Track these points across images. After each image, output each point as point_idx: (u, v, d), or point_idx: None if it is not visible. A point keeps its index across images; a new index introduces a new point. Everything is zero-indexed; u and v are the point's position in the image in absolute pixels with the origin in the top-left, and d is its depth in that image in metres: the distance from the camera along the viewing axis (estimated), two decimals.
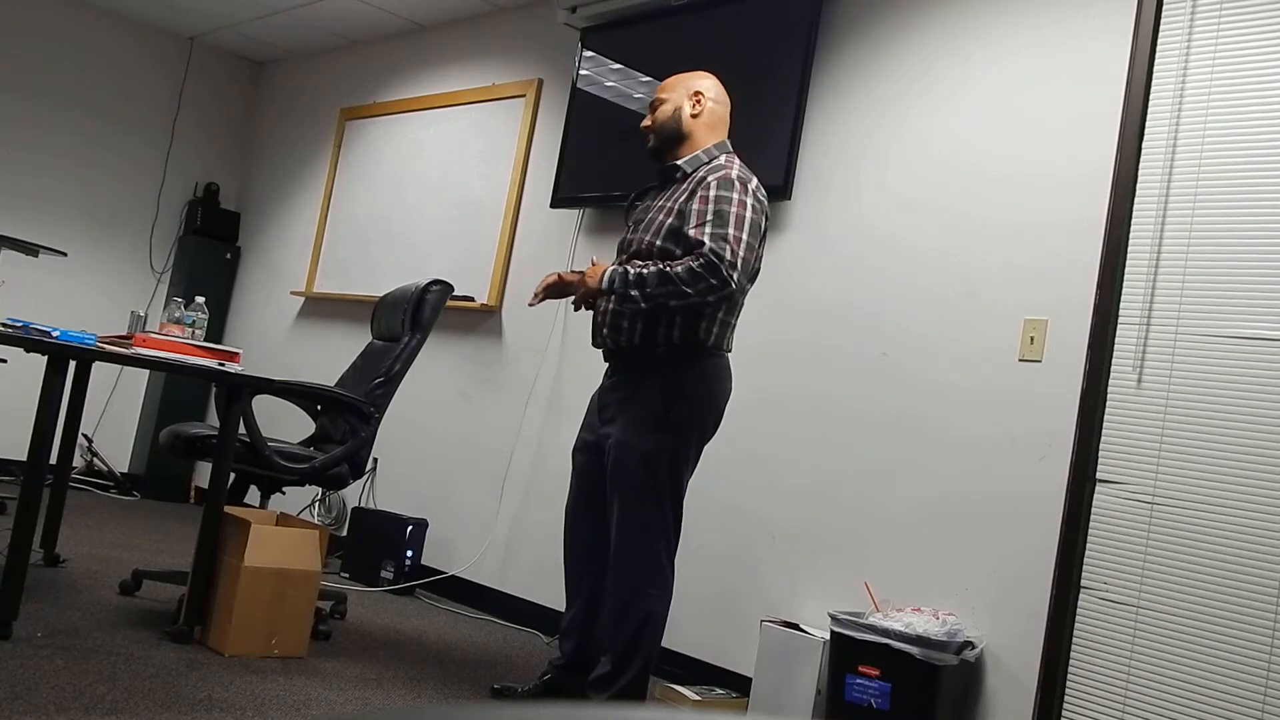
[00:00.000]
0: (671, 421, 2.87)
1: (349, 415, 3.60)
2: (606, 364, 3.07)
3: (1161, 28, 2.93)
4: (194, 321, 3.47)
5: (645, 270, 2.78)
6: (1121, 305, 2.90)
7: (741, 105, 3.88)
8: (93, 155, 6.11)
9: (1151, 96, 2.92)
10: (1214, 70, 2.83)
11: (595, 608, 3.05)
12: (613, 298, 2.89)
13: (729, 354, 2.98)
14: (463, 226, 5.00)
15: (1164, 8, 2.93)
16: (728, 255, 2.70)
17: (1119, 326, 2.90)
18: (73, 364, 3.37)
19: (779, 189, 3.70)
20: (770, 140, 3.74)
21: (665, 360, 2.88)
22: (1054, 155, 3.12)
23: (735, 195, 2.77)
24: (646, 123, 3.04)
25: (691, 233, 2.76)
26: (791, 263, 3.71)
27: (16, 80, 5.85)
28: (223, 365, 3.29)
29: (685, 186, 2.88)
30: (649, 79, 4.22)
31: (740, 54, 3.89)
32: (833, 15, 3.74)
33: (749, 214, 2.76)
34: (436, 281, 3.79)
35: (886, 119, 3.54)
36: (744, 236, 2.74)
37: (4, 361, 4.66)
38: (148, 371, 6.02)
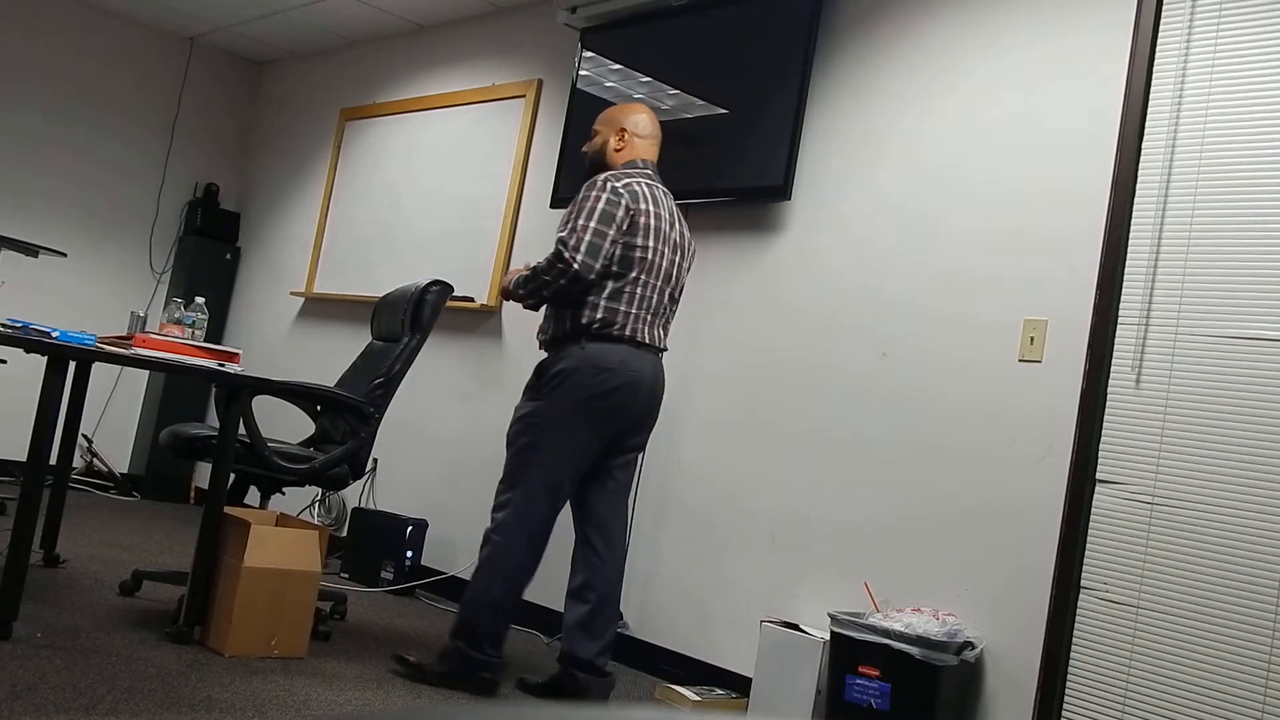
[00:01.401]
0: (541, 391, 3.14)
1: (349, 415, 3.60)
2: None
3: (1161, 28, 2.93)
4: (194, 322, 3.47)
5: (523, 273, 3.15)
6: (1121, 305, 2.90)
7: (742, 105, 3.89)
8: (93, 155, 6.12)
9: (1151, 96, 2.92)
10: (1214, 70, 2.83)
11: (580, 600, 3.21)
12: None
13: (631, 342, 3.13)
14: (463, 226, 5.00)
15: (1164, 8, 2.93)
16: (571, 241, 3.03)
17: (1118, 327, 2.90)
18: (72, 364, 3.37)
19: (779, 189, 3.70)
20: (770, 140, 3.74)
21: (560, 346, 3.16)
22: (1053, 155, 3.12)
23: (592, 192, 3.10)
24: (584, 149, 3.40)
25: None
26: (791, 263, 3.71)
27: (17, 80, 5.85)
28: (222, 366, 3.29)
29: None
30: (649, 79, 4.22)
31: (740, 54, 3.90)
32: (833, 15, 3.74)
33: (600, 205, 3.07)
34: (436, 282, 3.79)
35: (887, 119, 3.54)
36: (589, 224, 3.05)
37: (4, 362, 4.66)
38: (148, 372, 6.03)
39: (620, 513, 3.28)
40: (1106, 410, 2.88)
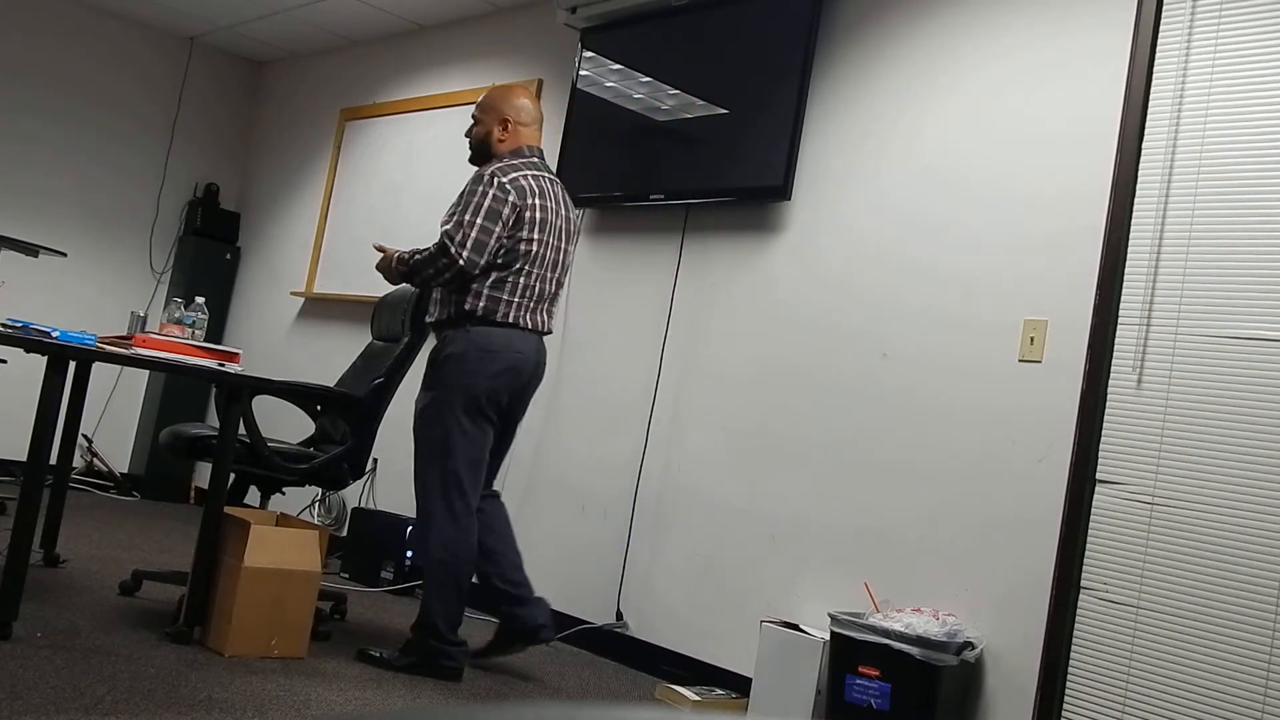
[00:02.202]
0: (437, 380, 3.26)
1: (348, 415, 3.60)
2: None
3: (1161, 28, 2.93)
4: (194, 322, 3.47)
5: (411, 256, 3.24)
6: (1121, 306, 2.90)
7: (741, 105, 3.89)
8: (93, 155, 6.12)
9: (1151, 96, 2.92)
10: (1214, 70, 2.83)
11: (483, 552, 3.37)
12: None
13: (515, 327, 3.27)
14: None
15: (1164, 8, 2.93)
16: (457, 236, 3.14)
17: (1119, 327, 2.90)
18: (72, 364, 3.37)
19: (778, 189, 3.70)
20: (770, 140, 3.74)
21: (449, 330, 3.28)
22: (1053, 155, 3.11)
23: (479, 187, 3.20)
24: (467, 135, 3.47)
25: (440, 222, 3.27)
26: (790, 263, 3.71)
27: (17, 80, 5.85)
28: (222, 366, 3.29)
29: None
30: (649, 79, 4.22)
31: (740, 54, 3.90)
32: (833, 15, 3.74)
33: (486, 201, 3.18)
34: None
35: (887, 119, 3.54)
36: (475, 220, 3.16)
37: (4, 362, 4.66)
38: (148, 372, 6.03)
39: (490, 476, 3.44)
40: (1106, 410, 2.88)
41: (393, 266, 3.29)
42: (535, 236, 3.26)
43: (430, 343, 3.77)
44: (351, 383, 3.80)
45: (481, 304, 3.22)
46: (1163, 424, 2.77)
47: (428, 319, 3.38)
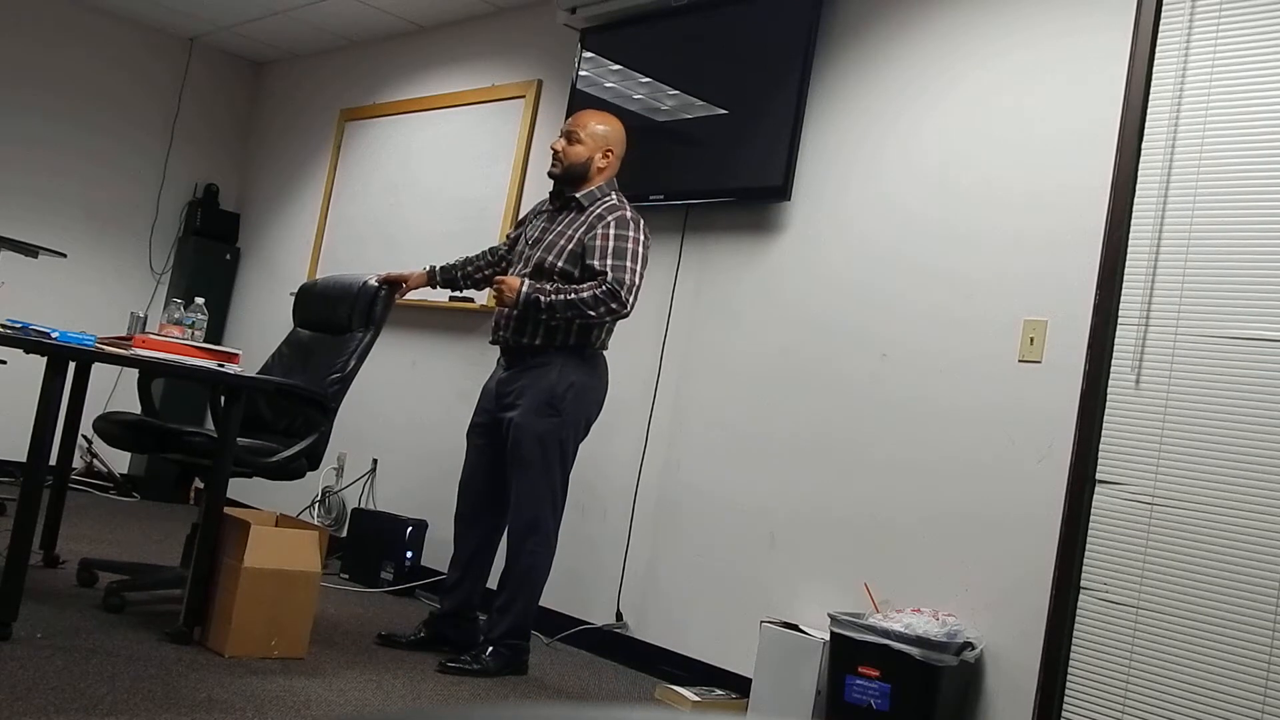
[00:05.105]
0: (561, 407, 3.37)
1: (317, 412, 3.58)
2: (502, 357, 3.52)
3: (1161, 28, 2.93)
4: (193, 322, 3.47)
5: (555, 298, 3.26)
6: (1121, 306, 2.90)
7: (741, 105, 3.89)
8: (93, 156, 6.11)
9: (1151, 96, 2.92)
10: (1214, 70, 2.83)
11: (475, 566, 3.55)
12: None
13: (605, 352, 3.49)
14: (463, 227, 5.00)
15: (1163, 7, 2.93)
16: (627, 281, 3.27)
17: (1118, 327, 2.90)
18: (72, 365, 3.37)
19: (778, 189, 3.70)
20: (770, 140, 3.74)
21: (560, 357, 3.37)
22: (1054, 155, 3.11)
23: (631, 234, 3.34)
24: (558, 147, 3.50)
25: (595, 264, 3.29)
26: (790, 263, 3.71)
27: (17, 81, 5.85)
28: (222, 366, 3.29)
29: (584, 219, 3.41)
30: (649, 79, 4.22)
31: (740, 54, 3.90)
32: (833, 15, 3.74)
33: (641, 250, 3.35)
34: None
35: (886, 119, 3.54)
36: (638, 268, 3.32)
37: (4, 363, 4.66)
38: None
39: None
40: (1106, 410, 2.88)
41: (523, 292, 3.27)
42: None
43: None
44: (282, 370, 3.81)
45: (604, 336, 3.43)
46: (1162, 424, 2.77)
47: (519, 339, 3.37)
